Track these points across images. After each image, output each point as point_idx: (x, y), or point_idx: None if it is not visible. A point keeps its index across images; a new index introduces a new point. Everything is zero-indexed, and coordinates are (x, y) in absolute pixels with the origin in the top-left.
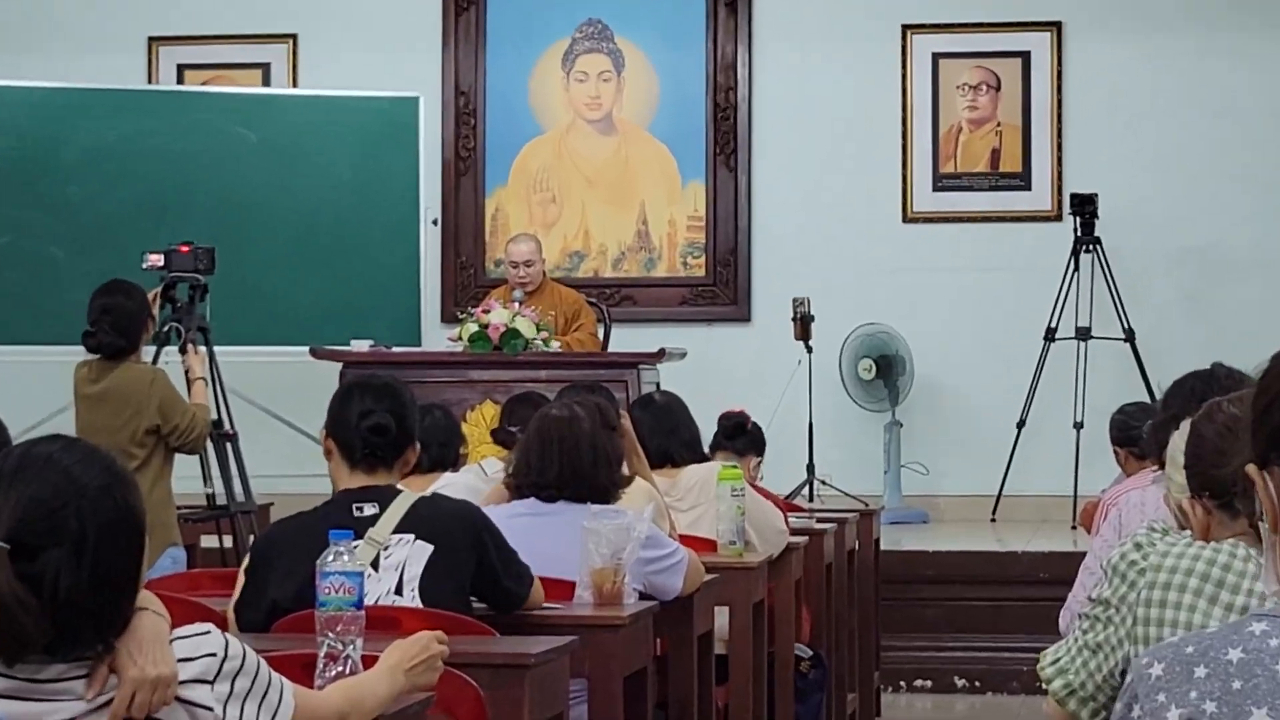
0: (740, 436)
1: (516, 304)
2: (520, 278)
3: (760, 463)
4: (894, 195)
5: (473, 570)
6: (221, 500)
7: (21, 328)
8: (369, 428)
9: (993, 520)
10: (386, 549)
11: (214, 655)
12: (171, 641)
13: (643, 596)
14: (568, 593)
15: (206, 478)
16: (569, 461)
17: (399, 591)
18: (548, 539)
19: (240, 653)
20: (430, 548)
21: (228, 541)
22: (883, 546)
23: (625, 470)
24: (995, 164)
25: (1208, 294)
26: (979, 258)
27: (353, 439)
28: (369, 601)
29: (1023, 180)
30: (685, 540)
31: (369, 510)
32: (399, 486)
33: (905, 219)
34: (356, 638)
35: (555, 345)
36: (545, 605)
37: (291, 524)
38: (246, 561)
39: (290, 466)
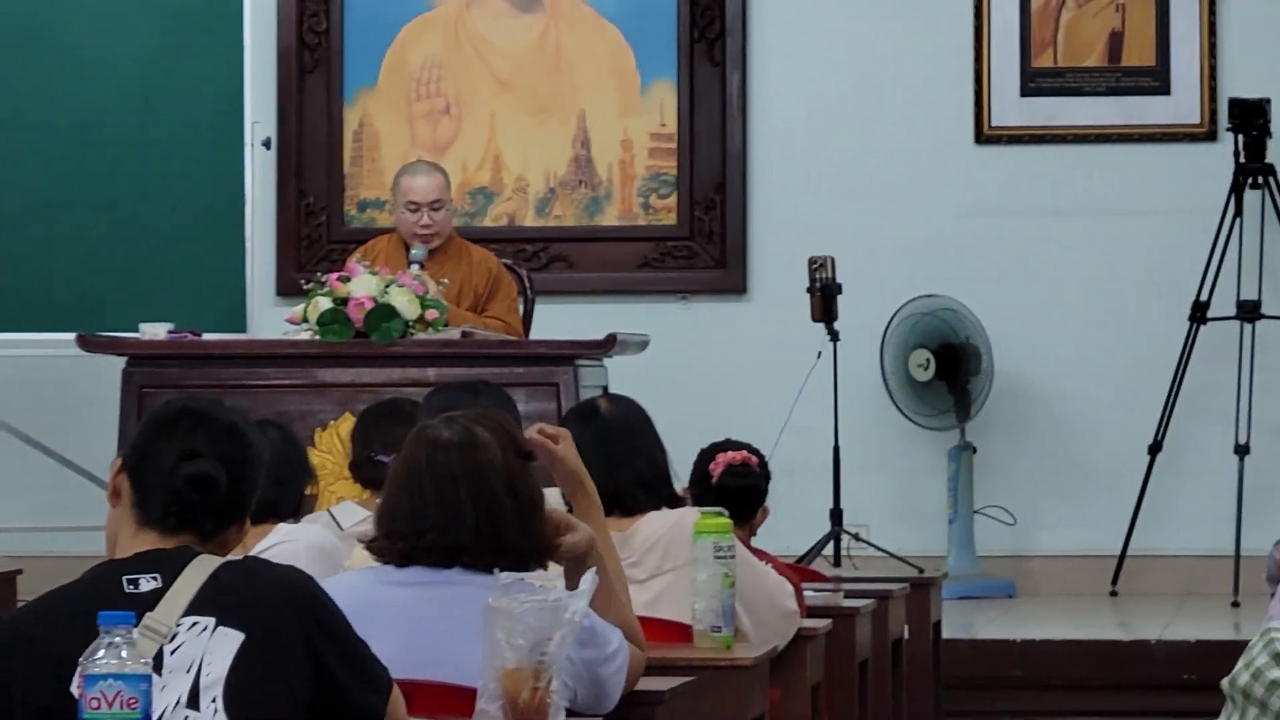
0: (749, 504)
1: (415, 268)
2: (424, 227)
3: (761, 509)
4: (963, 103)
5: (309, 675)
6: None
7: None
8: (188, 478)
9: (1113, 594)
10: (172, 639)
11: None
12: None
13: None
14: (462, 706)
15: None
16: (484, 511)
17: (193, 704)
18: (438, 623)
19: None
20: (240, 636)
21: None
22: (946, 634)
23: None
24: (1115, 55)
25: None
26: (1090, 196)
27: (158, 487)
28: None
29: (1157, 79)
30: (646, 625)
31: (146, 585)
32: (196, 550)
33: (980, 138)
34: None
35: (453, 331)
36: None
37: (37, 609)
38: None
39: (49, 514)
